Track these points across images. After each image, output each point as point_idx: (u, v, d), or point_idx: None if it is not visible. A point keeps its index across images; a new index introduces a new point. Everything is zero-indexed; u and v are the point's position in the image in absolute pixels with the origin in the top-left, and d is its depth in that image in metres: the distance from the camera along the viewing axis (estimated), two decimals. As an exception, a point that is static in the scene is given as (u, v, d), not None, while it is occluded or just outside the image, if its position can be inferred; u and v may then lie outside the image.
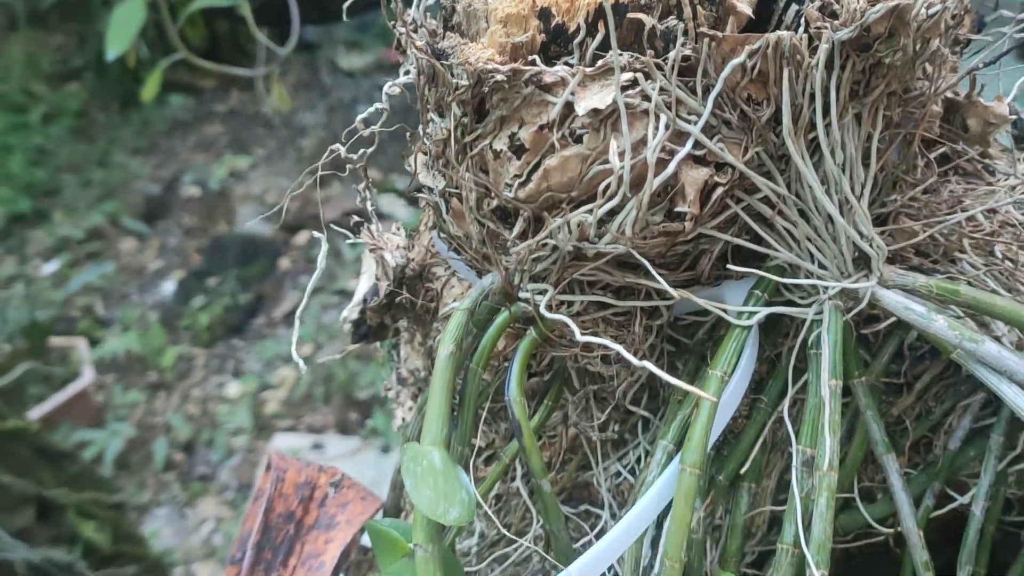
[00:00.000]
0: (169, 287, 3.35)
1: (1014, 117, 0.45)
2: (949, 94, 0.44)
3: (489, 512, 0.45)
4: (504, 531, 0.43)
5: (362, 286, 0.55)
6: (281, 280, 3.36)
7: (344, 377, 2.86)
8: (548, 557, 0.45)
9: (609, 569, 0.46)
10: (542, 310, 0.39)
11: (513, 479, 0.50)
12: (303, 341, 3.00)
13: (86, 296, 3.26)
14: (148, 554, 1.95)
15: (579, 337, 0.37)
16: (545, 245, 0.38)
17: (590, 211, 0.36)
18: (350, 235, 0.55)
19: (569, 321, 0.37)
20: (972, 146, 0.45)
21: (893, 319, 0.45)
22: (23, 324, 2.83)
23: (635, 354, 0.43)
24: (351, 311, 0.55)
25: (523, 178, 0.36)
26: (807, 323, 0.41)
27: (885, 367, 0.46)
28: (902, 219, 0.42)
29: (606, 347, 0.41)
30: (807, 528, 0.39)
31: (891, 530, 0.46)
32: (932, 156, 0.45)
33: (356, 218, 0.52)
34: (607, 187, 0.35)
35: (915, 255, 0.44)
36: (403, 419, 0.55)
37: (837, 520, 0.48)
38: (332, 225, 0.55)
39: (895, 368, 0.47)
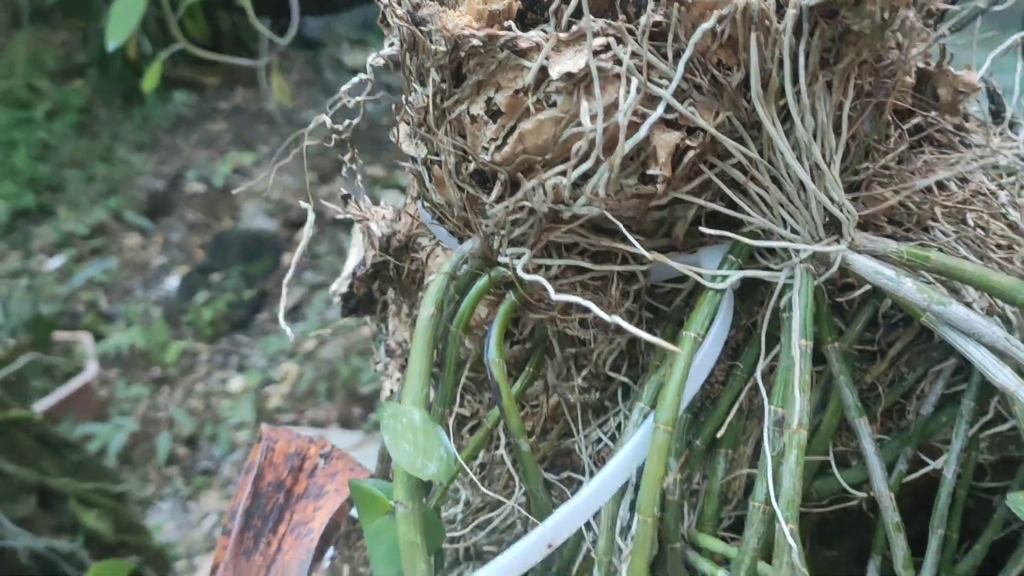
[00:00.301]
0: (173, 283, 3.37)
1: (982, 86, 0.46)
2: (920, 64, 0.45)
3: (474, 478, 0.46)
4: (487, 491, 0.44)
5: (351, 260, 0.56)
6: (284, 276, 3.37)
7: (347, 373, 2.87)
8: (530, 517, 0.46)
9: (588, 529, 0.48)
10: (519, 272, 0.40)
11: (497, 447, 0.51)
12: (306, 336, 3.02)
13: (90, 291, 3.27)
14: (151, 544, 1.96)
15: (554, 296, 0.38)
16: (522, 208, 0.39)
17: (564, 173, 0.37)
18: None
19: (544, 281, 0.38)
20: (943, 115, 0.46)
21: (867, 287, 0.46)
22: (27, 319, 2.85)
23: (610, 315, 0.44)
24: (340, 284, 0.56)
25: (499, 141, 0.37)
26: (779, 287, 0.42)
27: (859, 335, 0.47)
28: (874, 187, 0.43)
29: (583, 310, 0.42)
30: (778, 485, 0.40)
31: (864, 494, 0.47)
32: (906, 127, 0.46)
33: (343, 191, 0.53)
34: (580, 149, 0.36)
35: (888, 224, 0.45)
36: (391, 391, 0.56)
37: (812, 485, 0.49)
38: (323, 201, 0.56)
39: (869, 336, 0.48)
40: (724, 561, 0.45)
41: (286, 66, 4.30)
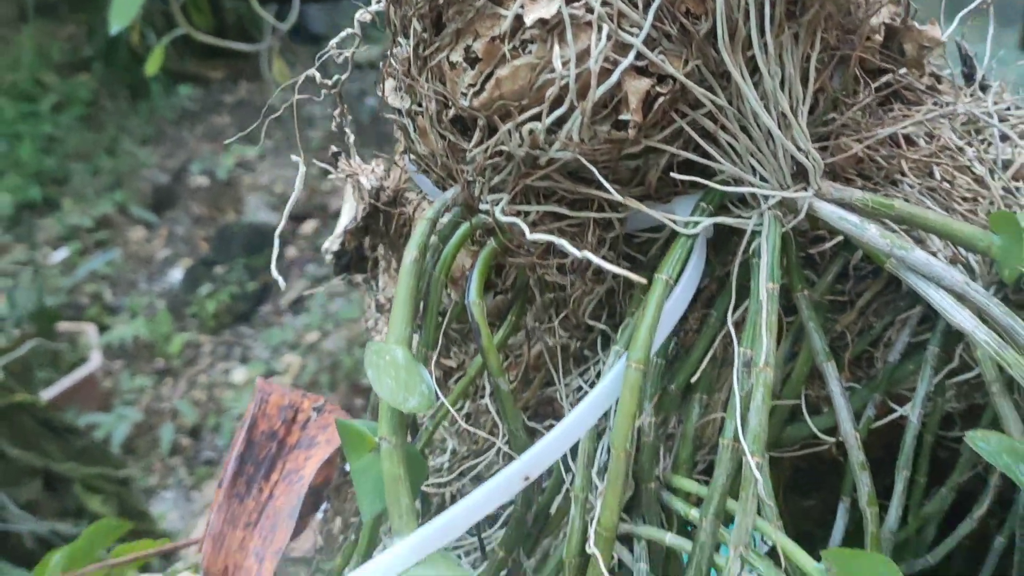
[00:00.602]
0: (177, 275, 3.39)
1: (946, 41, 0.47)
2: (887, 20, 0.46)
3: (455, 415, 0.48)
4: (469, 428, 0.46)
5: (343, 218, 0.57)
6: (288, 268, 3.39)
7: (350, 364, 2.88)
8: (513, 454, 0.48)
9: (568, 472, 0.49)
10: (498, 215, 0.41)
11: (482, 397, 0.52)
12: (310, 328, 3.04)
13: (94, 283, 3.29)
14: (155, 530, 1.98)
15: (529, 236, 0.39)
16: (500, 153, 0.41)
17: (539, 117, 0.39)
18: (331, 169, 0.57)
19: (519, 221, 0.40)
20: (911, 70, 0.47)
21: (838, 239, 0.48)
22: (32, 310, 2.87)
23: (588, 265, 0.46)
24: (332, 242, 0.58)
25: (477, 87, 0.39)
26: (748, 234, 0.44)
27: (830, 286, 0.48)
28: (842, 139, 0.45)
29: (561, 255, 0.44)
30: (745, 424, 0.41)
31: (833, 440, 0.49)
32: (875, 85, 0.47)
33: (334, 148, 0.55)
34: (553, 94, 0.38)
35: (858, 178, 0.47)
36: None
37: (784, 432, 0.50)
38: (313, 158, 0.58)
39: (840, 288, 0.49)
40: (698, 501, 0.47)
41: (290, 59, 4.30)
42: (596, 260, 0.37)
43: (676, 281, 0.43)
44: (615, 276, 0.49)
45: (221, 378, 2.99)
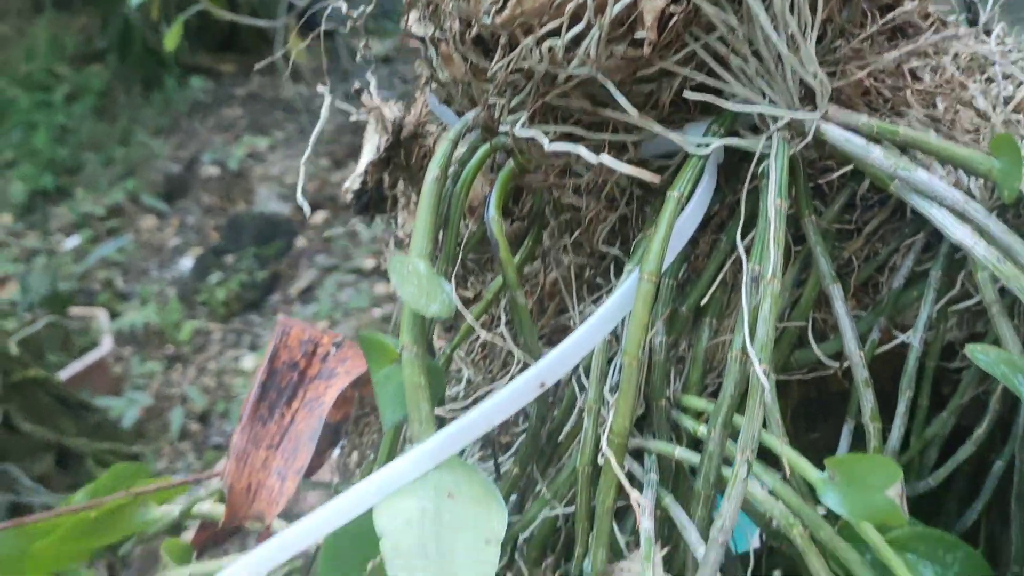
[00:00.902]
0: (187, 263, 3.41)
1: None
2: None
3: (472, 321, 0.50)
4: (479, 331, 0.48)
5: (364, 157, 0.59)
6: (298, 258, 3.41)
7: (358, 351, 2.89)
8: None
9: (582, 391, 0.51)
10: (517, 131, 0.43)
11: (497, 326, 0.54)
12: (318, 317, 3.06)
13: (106, 270, 3.32)
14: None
15: (548, 147, 0.41)
16: (520, 71, 0.43)
17: (558, 32, 0.41)
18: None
19: (538, 134, 0.41)
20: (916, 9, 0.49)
21: (845, 170, 0.50)
22: (45, 294, 2.89)
23: (603, 186, 0.47)
24: (353, 181, 0.60)
25: (500, 4, 0.41)
26: (757, 156, 0.46)
27: (837, 215, 0.50)
28: (848, 67, 0.47)
29: (577, 176, 0.46)
30: (753, 333, 0.43)
31: (838, 364, 0.51)
32: (881, 20, 0.49)
33: (357, 84, 0.56)
34: (572, 10, 0.40)
35: (865, 108, 0.49)
36: (399, 283, 0.60)
37: (791, 356, 0.52)
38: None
39: (847, 218, 0.51)
40: (707, 420, 0.48)
41: (302, 53, 4.34)
42: (612, 162, 0.38)
43: (687, 200, 0.45)
44: (628, 203, 0.51)
45: (230, 365, 3.01)
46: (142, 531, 0.64)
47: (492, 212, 0.45)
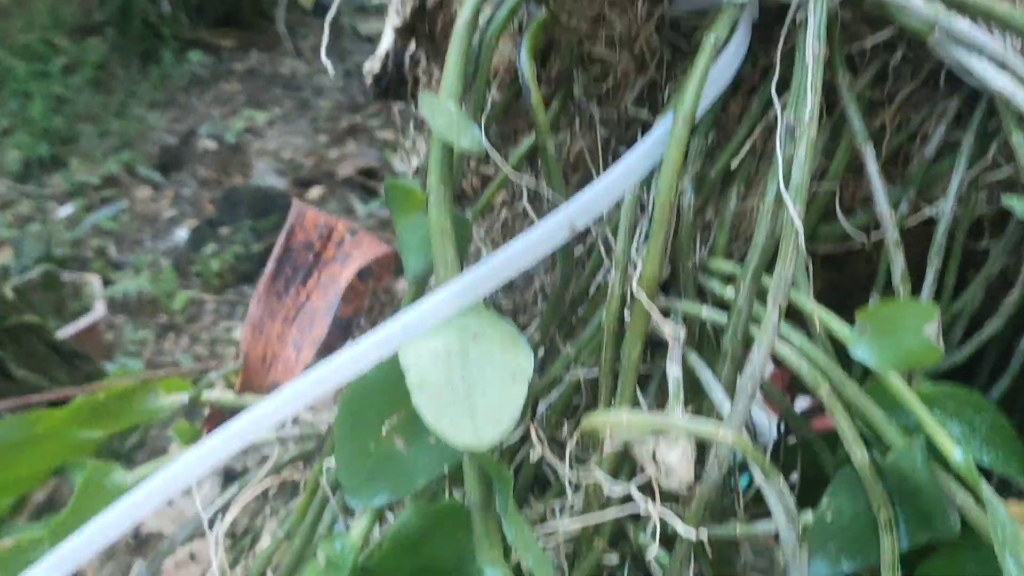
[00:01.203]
0: (182, 235, 3.39)
1: None
2: None
3: (506, 169, 0.49)
4: (510, 173, 0.47)
5: (386, 37, 0.58)
6: (293, 233, 3.40)
7: (351, 328, 2.88)
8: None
9: (609, 255, 0.50)
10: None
11: (519, 199, 0.53)
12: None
13: (99, 239, 3.30)
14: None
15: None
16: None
17: None
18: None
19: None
20: None
21: (879, 38, 0.49)
22: (39, 259, 2.88)
23: (635, 39, 0.47)
24: (373, 63, 0.59)
25: None
26: (793, 9, 0.45)
27: (870, 82, 0.50)
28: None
29: (609, 27, 0.45)
30: (788, 179, 0.42)
31: (865, 236, 0.50)
32: None
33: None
34: None
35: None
36: (417, 166, 0.59)
37: (819, 229, 0.51)
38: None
39: (879, 89, 0.50)
40: (734, 282, 0.48)
41: (303, 32, 4.34)
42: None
43: (723, 46, 0.44)
44: (657, 67, 0.50)
45: (223, 335, 2.99)
46: (150, 419, 0.63)
47: (524, 56, 0.44)
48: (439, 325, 0.43)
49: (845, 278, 0.55)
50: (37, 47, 3.96)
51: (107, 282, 3.03)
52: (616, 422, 0.42)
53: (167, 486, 0.46)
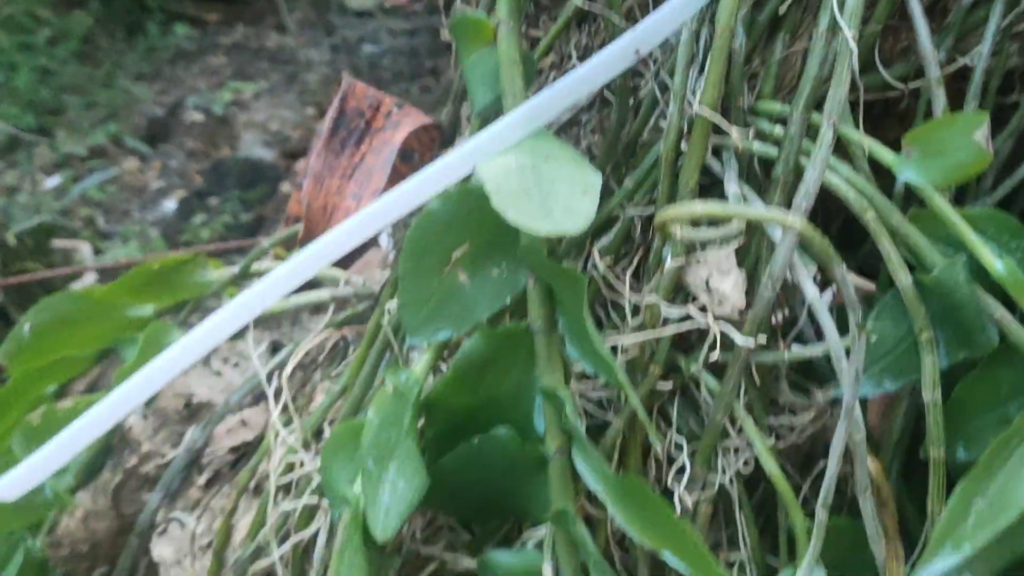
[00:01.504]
0: (170, 205, 3.39)
1: None
2: None
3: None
4: None
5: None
6: (282, 203, 3.40)
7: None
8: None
9: (664, 93, 0.52)
10: None
11: (568, 61, 0.56)
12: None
13: (88, 209, 3.30)
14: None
15: None
16: None
17: None
18: None
19: None
20: None
21: None
22: (28, 227, 2.87)
23: None
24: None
25: None
26: None
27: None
28: None
29: None
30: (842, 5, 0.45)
31: (903, 85, 0.53)
32: None
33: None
34: None
35: None
36: None
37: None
38: None
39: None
40: (780, 120, 0.50)
41: (290, 5, 4.34)
42: None
43: None
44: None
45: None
46: (201, 292, 0.65)
47: None
48: (510, 148, 0.45)
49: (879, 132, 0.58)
50: (21, 19, 3.93)
51: (97, 251, 3.03)
52: (689, 211, 0.44)
53: (244, 311, 0.47)
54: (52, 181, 3.40)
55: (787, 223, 0.43)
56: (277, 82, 3.93)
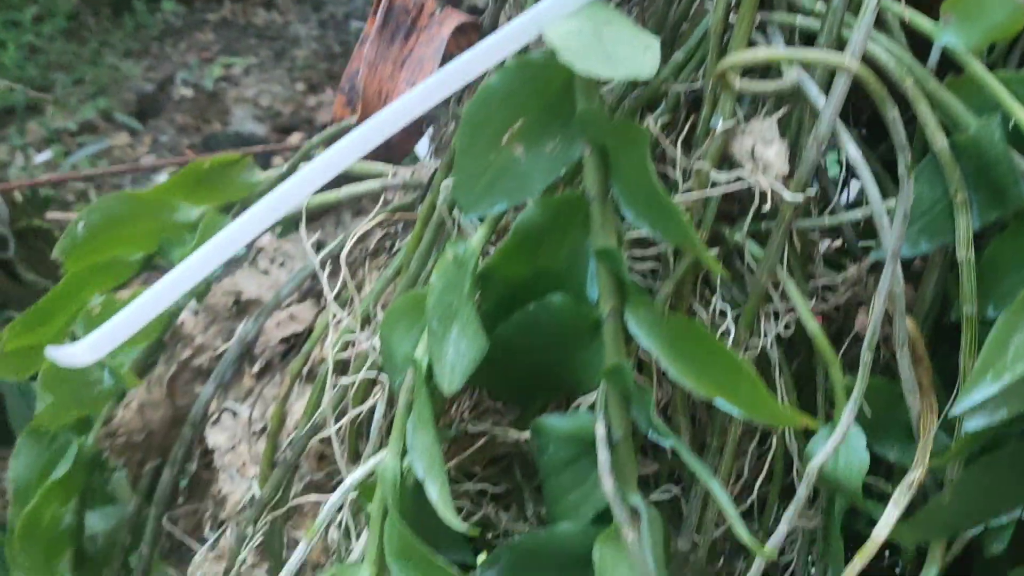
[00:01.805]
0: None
1: None
2: None
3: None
4: None
5: None
6: (273, 178, 3.42)
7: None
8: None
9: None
10: None
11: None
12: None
13: (80, 183, 3.30)
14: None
15: None
16: None
17: None
18: None
19: None
20: None
21: None
22: (24, 196, 2.87)
23: None
24: None
25: None
26: None
27: None
28: None
29: None
30: None
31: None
32: None
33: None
34: None
35: None
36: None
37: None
38: None
39: None
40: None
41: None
42: None
43: None
44: None
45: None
46: (249, 193, 0.67)
47: None
48: (570, 15, 0.47)
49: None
50: (5, -2, 3.93)
51: (90, 224, 3.04)
52: (752, 56, 0.47)
53: (308, 181, 0.49)
54: (43, 156, 3.40)
55: (843, 65, 0.46)
56: (266, 58, 3.94)
